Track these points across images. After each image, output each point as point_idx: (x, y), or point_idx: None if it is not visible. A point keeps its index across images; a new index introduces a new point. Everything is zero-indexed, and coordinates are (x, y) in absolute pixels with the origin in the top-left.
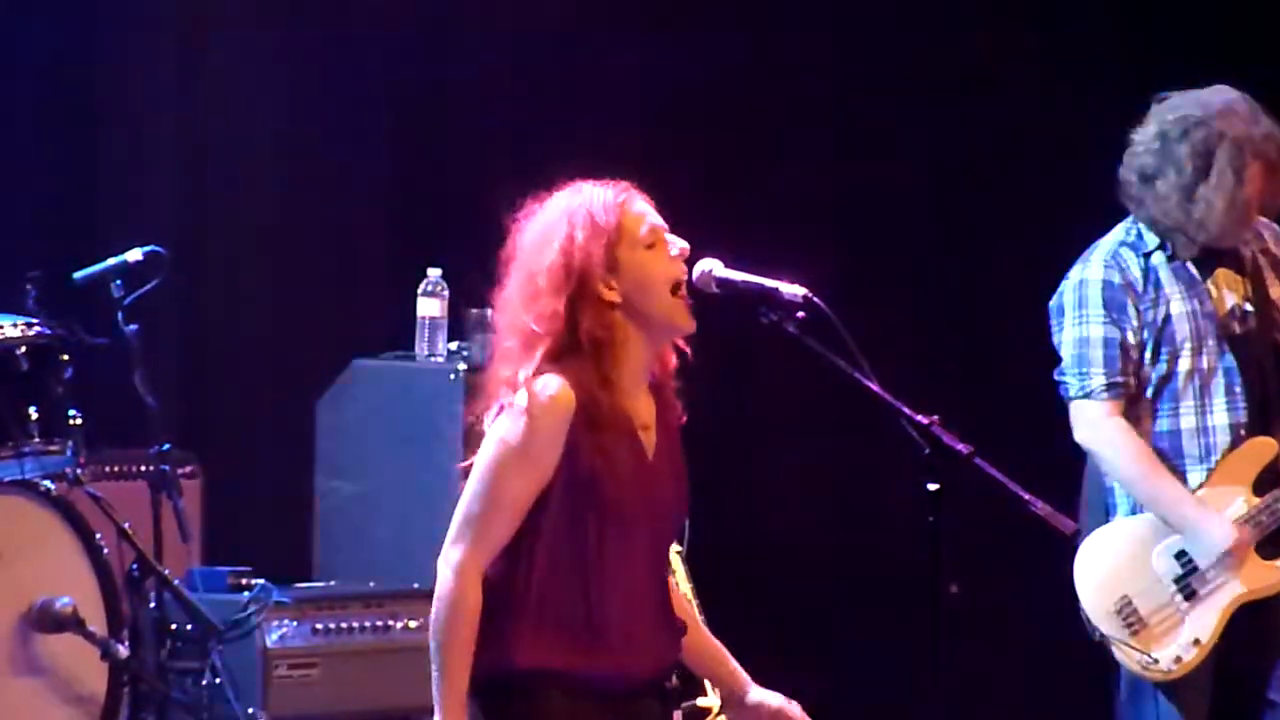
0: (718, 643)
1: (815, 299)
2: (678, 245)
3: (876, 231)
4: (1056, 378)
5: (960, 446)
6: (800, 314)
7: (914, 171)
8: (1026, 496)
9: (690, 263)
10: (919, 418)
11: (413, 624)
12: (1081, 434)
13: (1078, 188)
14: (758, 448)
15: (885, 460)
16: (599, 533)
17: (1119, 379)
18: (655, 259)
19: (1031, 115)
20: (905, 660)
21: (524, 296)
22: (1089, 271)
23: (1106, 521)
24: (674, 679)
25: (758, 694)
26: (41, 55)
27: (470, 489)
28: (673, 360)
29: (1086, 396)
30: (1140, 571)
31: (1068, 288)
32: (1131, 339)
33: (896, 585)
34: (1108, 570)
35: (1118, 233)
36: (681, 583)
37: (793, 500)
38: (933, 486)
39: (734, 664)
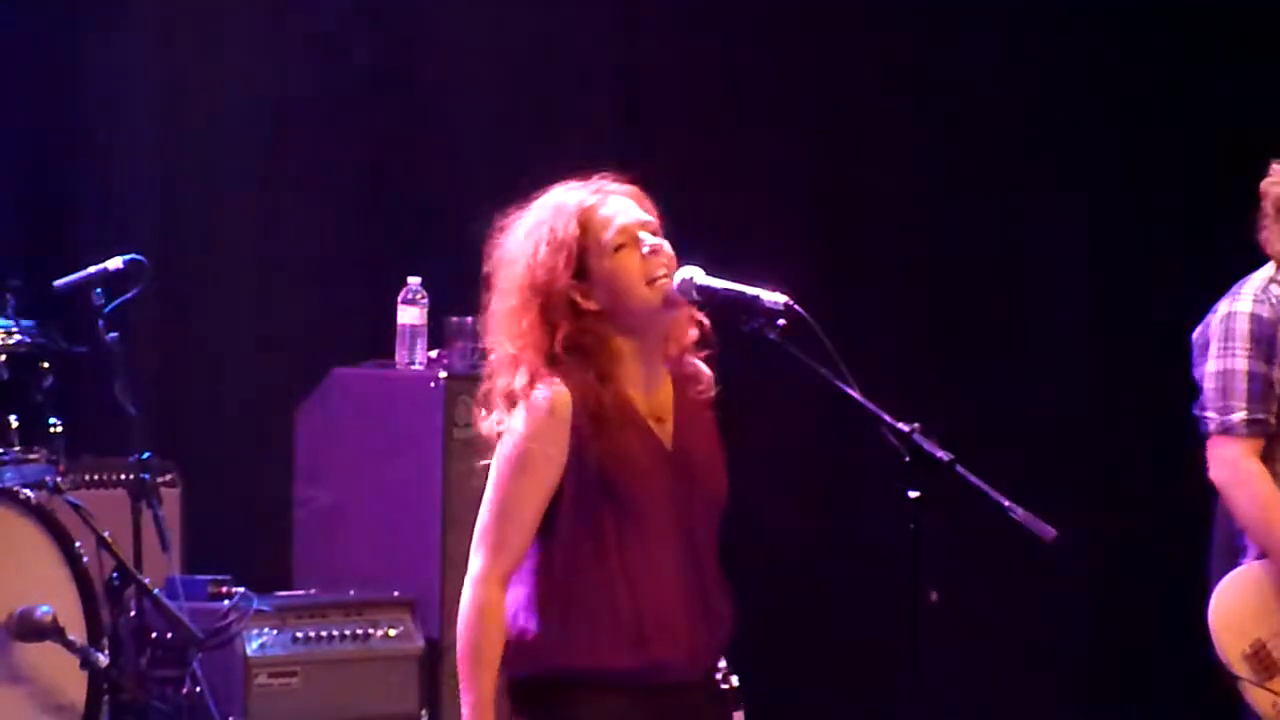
0: None
1: (797, 306)
2: (649, 243)
3: (858, 235)
4: (1196, 413)
5: (941, 454)
6: (781, 321)
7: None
8: (1006, 504)
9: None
10: (900, 425)
11: (392, 632)
12: (1216, 472)
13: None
14: (734, 452)
15: (866, 468)
16: (617, 528)
17: (1260, 415)
18: (625, 262)
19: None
20: (886, 668)
21: (501, 313)
22: (1238, 305)
23: (1237, 562)
24: (734, 679)
25: None
26: (21, 65)
27: (484, 500)
28: (688, 336)
29: (1226, 432)
30: (1274, 616)
31: (1214, 320)
32: (1277, 375)
33: (876, 592)
34: (1241, 613)
35: (1268, 269)
36: None
37: (771, 506)
38: (913, 494)
39: None
